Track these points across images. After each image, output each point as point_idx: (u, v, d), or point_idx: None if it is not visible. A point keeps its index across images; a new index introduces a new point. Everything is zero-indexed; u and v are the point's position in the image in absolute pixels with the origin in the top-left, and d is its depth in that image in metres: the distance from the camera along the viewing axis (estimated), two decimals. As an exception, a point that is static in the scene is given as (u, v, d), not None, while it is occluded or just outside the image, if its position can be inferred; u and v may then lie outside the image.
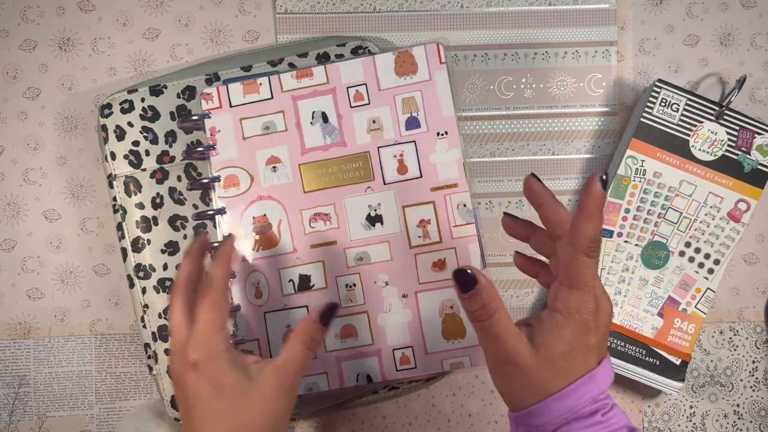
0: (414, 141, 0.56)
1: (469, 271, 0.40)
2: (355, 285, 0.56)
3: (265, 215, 0.56)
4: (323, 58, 0.59)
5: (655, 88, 0.60)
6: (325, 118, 0.56)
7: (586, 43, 0.63)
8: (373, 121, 0.56)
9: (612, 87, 0.64)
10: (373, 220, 0.56)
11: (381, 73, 0.56)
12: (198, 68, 0.59)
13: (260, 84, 0.56)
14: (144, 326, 0.58)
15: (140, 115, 0.58)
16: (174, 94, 0.58)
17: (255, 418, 0.41)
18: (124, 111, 0.58)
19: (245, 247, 0.56)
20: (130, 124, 0.58)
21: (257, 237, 0.55)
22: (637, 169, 0.61)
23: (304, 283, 0.56)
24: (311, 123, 0.55)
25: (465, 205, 0.56)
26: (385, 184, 0.56)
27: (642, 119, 0.60)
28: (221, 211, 0.56)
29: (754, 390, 0.64)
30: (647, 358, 0.61)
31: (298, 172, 0.55)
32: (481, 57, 0.63)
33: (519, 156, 0.64)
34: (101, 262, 0.62)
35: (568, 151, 0.64)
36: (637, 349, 0.61)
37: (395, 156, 0.56)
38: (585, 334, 0.41)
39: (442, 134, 0.56)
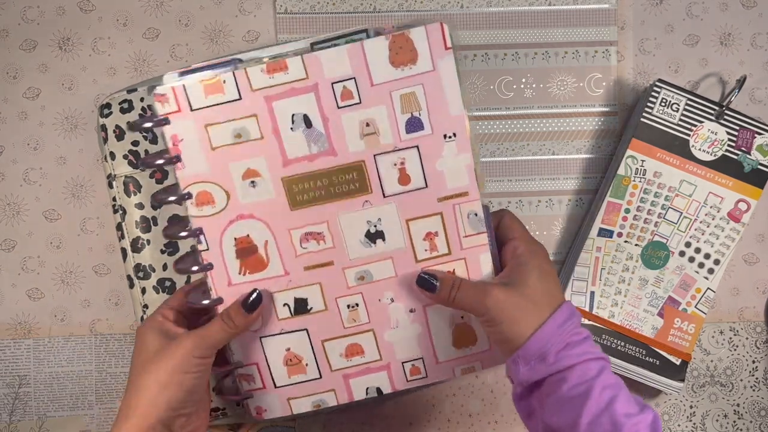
0: (417, 146, 0.48)
1: (425, 275, 0.49)
2: (357, 305, 0.51)
3: (248, 236, 0.49)
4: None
5: (655, 88, 0.60)
6: (307, 122, 0.48)
7: (586, 43, 0.63)
8: (367, 124, 0.48)
9: (612, 87, 0.64)
10: (374, 236, 0.50)
11: (373, 63, 0.47)
12: (198, 68, 0.59)
13: (224, 82, 0.47)
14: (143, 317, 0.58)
15: (140, 114, 0.57)
16: (174, 94, 0.58)
17: (165, 374, 0.46)
18: (123, 111, 0.58)
19: (230, 271, 0.50)
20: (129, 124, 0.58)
21: (241, 261, 0.50)
22: (637, 169, 0.61)
23: (302, 306, 0.51)
24: (291, 129, 0.48)
25: (476, 214, 0.50)
26: (385, 196, 0.49)
27: (642, 119, 0.60)
28: (196, 233, 0.49)
29: (754, 390, 0.64)
30: (647, 358, 0.60)
31: (282, 186, 0.48)
32: (481, 57, 0.63)
33: (519, 156, 0.63)
34: (101, 262, 0.62)
35: (568, 151, 0.64)
36: (637, 349, 0.61)
37: (395, 164, 0.49)
38: (546, 260, 0.49)
39: (450, 136, 0.48)
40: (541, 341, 0.45)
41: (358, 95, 0.47)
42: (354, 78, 0.47)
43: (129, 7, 0.62)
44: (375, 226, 0.50)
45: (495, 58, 0.63)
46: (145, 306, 0.58)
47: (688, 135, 0.60)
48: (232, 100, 0.47)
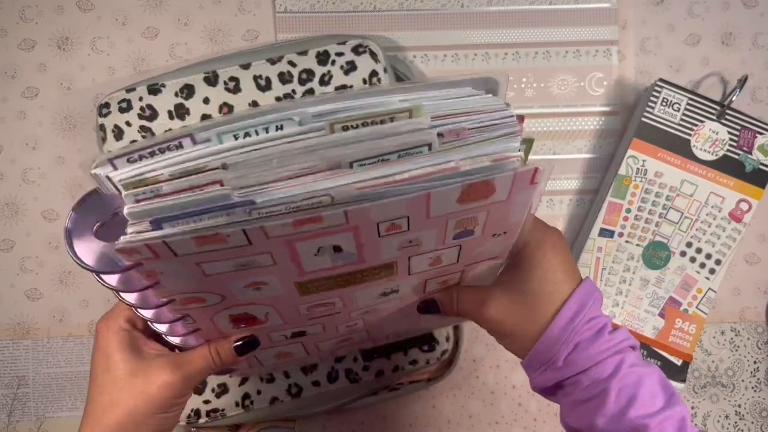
0: (459, 245, 0.40)
1: (427, 303, 0.47)
2: (356, 324, 0.48)
3: (245, 312, 0.41)
4: (326, 79, 0.54)
5: (657, 88, 0.60)
6: (337, 249, 0.36)
7: (587, 43, 0.63)
8: (410, 241, 0.37)
9: (613, 86, 0.64)
10: (388, 293, 0.44)
11: (435, 204, 0.34)
12: (196, 67, 0.58)
13: (228, 236, 0.32)
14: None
15: (138, 114, 0.57)
16: (172, 93, 0.58)
17: (142, 415, 0.41)
18: (122, 110, 0.57)
19: (221, 327, 0.43)
20: (128, 124, 0.57)
21: (235, 323, 0.42)
22: (638, 168, 0.60)
23: (299, 333, 0.47)
24: (315, 255, 0.36)
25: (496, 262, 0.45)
26: (410, 274, 0.42)
27: (643, 119, 0.60)
28: (181, 319, 0.41)
29: (755, 391, 0.64)
30: (648, 359, 0.60)
31: (294, 287, 0.39)
32: (482, 56, 0.63)
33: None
34: (100, 262, 0.62)
35: (569, 150, 0.64)
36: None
37: (430, 258, 0.40)
38: (555, 247, 0.43)
39: (500, 234, 0.40)
40: (544, 349, 0.42)
41: (408, 226, 0.36)
42: (408, 217, 0.35)
43: (128, 6, 0.62)
44: (392, 288, 0.44)
45: (495, 58, 0.63)
46: (144, 306, 0.57)
47: (690, 135, 0.60)
48: (239, 246, 0.33)
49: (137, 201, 0.33)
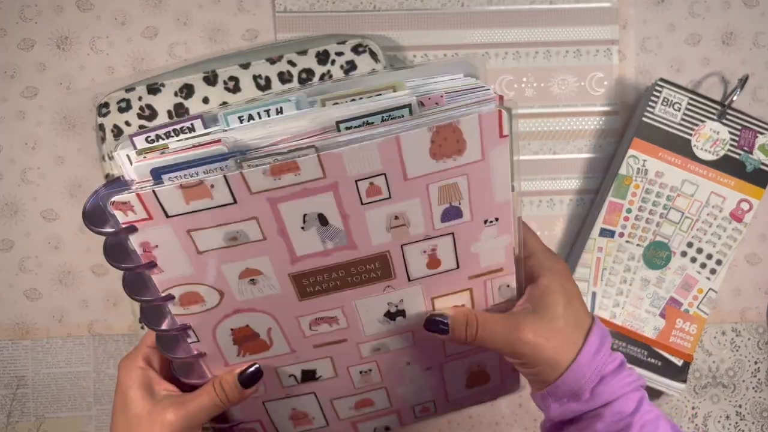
0: (452, 233, 0.41)
1: (433, 317, 0.44)
2: (371, 371, 0.47)
3: (247, 326, 0.42)
4: (324, 76, 0.55)
5: (657, 87, 0.60)
6: (323, 220, 0.38)
7: (588, 42, 0.63)
8: (396, 217, 0.39)
9: (613, 86, 0.63)
10: (394, 315, 0.44)
11: (409, 157, 0.37)
12: (196, 66, 0.58)
13: (212, 186, 0.35)
14: (142, 327, 0.58)
15: (138, 114, 0.57)
16: (171, 92, 0.58)
17: None
18: (121, 110, 0.57)
19: (226, 355, 0.44)
20: (127, 123, 0.57)
21: (240, 345, 0.44)
22: (638, 168, 0.60)
23: (309, 376, 0.47)
24: (302, 228, 0.38)
25: (508, 286, 0.45)
26: (410, 280, 0.42)
27: (644, 118, 0.60)
28: (184, 329, 0.42)
29: (756, 391, 0.64)
30: (649, 359, 0.60)
31: (289, 282, 0.41)
32: (482, 56, 0.63)
33: (520, 155, 0.63)
34: (99, 262, 0.62)
35: (569, 150, 0.63)
36: (639, 350, 0.60)
37: (425, 251, 0.41)
38: (569, 278, 0.44)
39: (491, 221, 0.41)
40: (574, 378, 0.41)
41: (388, 191, 0.38)
42: (384, 174, 0.37)
43: (127, 5, 0.62)
44: (396, 306, 0.44)
45: (496, 57, 0.63)
46: (144, 307, 0.57)
47: (690, 134, 0.60)
48: (224, 205, 0.36)
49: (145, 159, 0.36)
